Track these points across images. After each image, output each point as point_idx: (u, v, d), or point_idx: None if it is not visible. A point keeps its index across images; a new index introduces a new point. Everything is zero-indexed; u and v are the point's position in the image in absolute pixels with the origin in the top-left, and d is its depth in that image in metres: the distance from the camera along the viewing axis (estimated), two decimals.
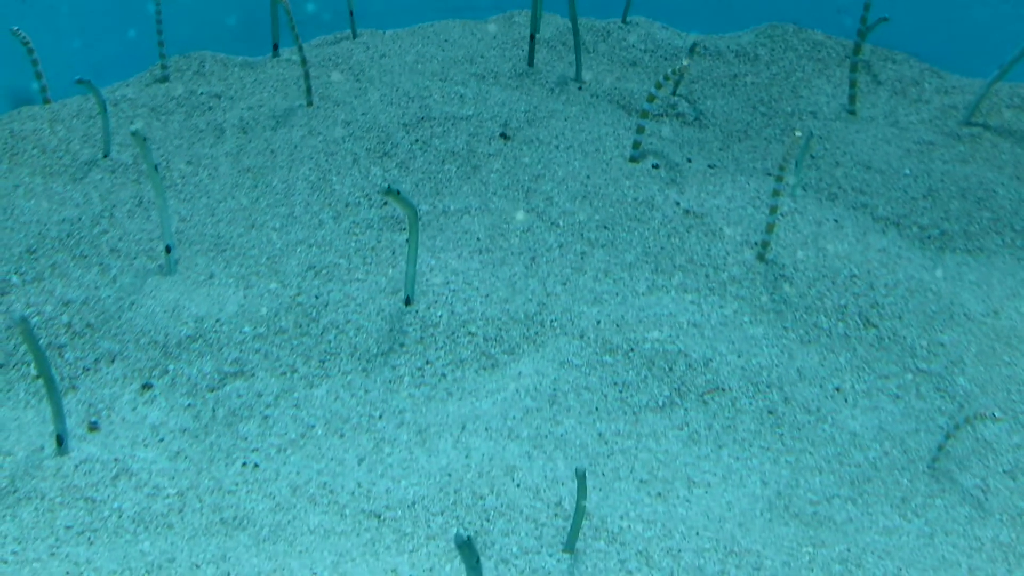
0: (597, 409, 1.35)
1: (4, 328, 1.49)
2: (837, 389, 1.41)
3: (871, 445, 1.32)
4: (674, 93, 2.32)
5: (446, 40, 2.49)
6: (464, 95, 2.20)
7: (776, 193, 1.63)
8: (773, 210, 1.64)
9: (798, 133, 1.63)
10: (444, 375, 1.44)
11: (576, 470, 1.05)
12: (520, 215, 1.82)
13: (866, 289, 1.62)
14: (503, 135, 2.07)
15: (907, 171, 2.04)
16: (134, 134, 1.46)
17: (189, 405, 1.39)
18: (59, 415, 1.25)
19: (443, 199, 1.87)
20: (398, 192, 1.42)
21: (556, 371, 1.41)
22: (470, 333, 1.51)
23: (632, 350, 1.45)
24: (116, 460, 1.25)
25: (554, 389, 1.38)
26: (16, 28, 2.00)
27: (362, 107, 2.14)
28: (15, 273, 1.61)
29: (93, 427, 1.35)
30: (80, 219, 1.75)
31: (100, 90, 1.88)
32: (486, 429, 1.31)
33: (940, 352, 1.49)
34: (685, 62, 1.87)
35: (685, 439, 1.30)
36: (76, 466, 1.24)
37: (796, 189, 1.92)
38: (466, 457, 1.26)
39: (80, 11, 2.22)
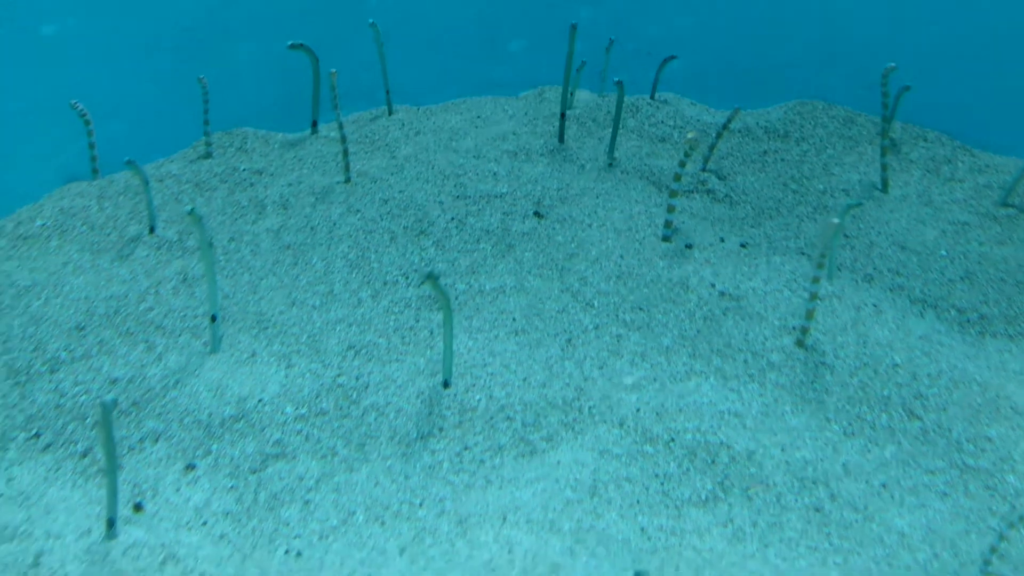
0: (639, 502, 1.34)
1: (53, 407, 1.52)
2: (884, 485, 1.39)
3: (920, 546, 1.29)
4: (704, 169, 2.36)
5: (479, 116, 2.56)
6: (498, 172, 2.24)
7: (815, 280, 1.64)
8: (813, 296, 1.64)
9: (835, 220, 1.64)
10: (483, 461, 1.44)
11: None
12: (555, 295, 1.84)
13: (909, 379, 1.60)
14: (536, 213, 2.10)
15: (943, 252, 2.05)
16: (191, 213, 1.50)
17: (232, 487, 1.39)
18: (113, 500, 1.26)
19: (479, 278, 1.89)
20: (437, 278, 1.44)
21: (596, 461, 1.41)
22: (508, 418, 1.51)
23: (673, 440, 1.45)
24: (163, 545, 1.26)
25: (594, 480, 1.37)
26: (75, 101, 2.08)
27: (399, 185, 2.18)
28: (64, 350, 1.64)
29: (138, 508, 1.36)
30: (127, 296, 1.79)
31: (145, 166, 1.94)
32: (527, 521, 1.30)
33: (988, 447, 1.47)
34: (690, 135, 1.89)
35: (730, 537, 1.28)
36: (124, 551, 1.25)
37: (832, 270, 1.93)
38: (509, 552, 1.25)
39: (127, 88, 2.30)
